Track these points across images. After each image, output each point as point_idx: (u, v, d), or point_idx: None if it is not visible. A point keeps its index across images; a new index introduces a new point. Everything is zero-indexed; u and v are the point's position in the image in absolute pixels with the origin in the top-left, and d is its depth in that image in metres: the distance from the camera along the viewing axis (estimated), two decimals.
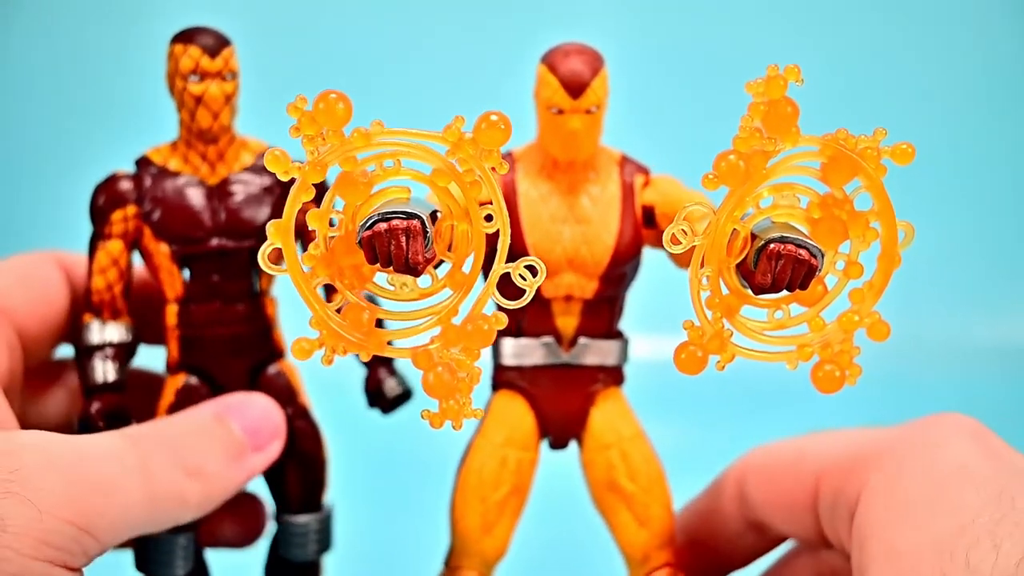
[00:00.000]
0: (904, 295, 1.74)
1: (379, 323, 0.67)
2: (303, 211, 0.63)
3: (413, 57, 1.83)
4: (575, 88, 0.76)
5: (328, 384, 0.89)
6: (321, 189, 0.65)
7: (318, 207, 0.63)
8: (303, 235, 0.78)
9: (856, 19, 1.87)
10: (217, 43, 0.80)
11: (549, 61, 0.77)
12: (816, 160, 0.66)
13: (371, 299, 0.68)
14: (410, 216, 0.61)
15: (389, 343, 0.66)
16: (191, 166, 0.82)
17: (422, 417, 0.65)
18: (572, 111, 0.76)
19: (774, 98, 0.62)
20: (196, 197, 0.81)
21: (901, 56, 1.87)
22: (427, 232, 0.62)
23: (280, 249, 0.63)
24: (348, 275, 0.65)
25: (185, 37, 0.80)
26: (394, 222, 0.61)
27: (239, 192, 0.83)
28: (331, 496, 0.92)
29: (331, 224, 0.64)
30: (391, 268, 0.62)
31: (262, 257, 0.63)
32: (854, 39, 1.87)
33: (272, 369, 0.86)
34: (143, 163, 0.83)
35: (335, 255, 0.65)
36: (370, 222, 0.62)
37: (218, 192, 0.81)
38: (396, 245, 0.61)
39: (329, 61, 1.77)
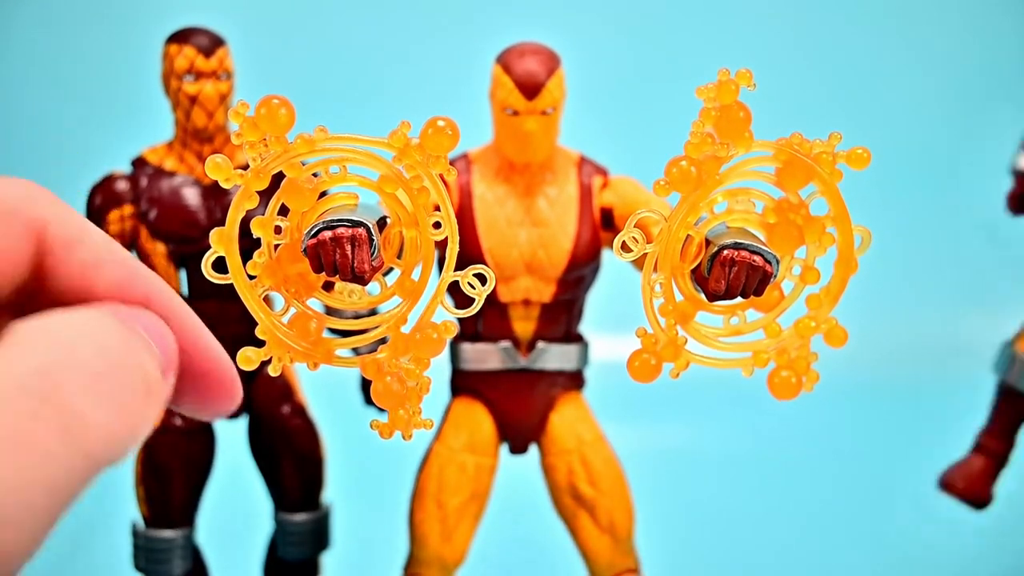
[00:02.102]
0: (903, 295, 1.76)
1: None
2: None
3: (394, 57, 1.83)
4: (530, 89, 0.74)
5: (325, 382, 0.89)
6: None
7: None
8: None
9: (832, 18, 1.87)
10: (212, 43, 0.80)
11: (504, 61, 0.76)
12: (771, 165, 0.65)
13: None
14: (356, 224, 0.60)
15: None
16: (187, 166, 0.82)
17: (371, 428, 0.64)
18: (527, 112, 0.75)
19: (725, 103, 0.61)
20: (192, 197, 0.82)
21: (899, 57, 1.87)
22: (374, 240, 0.60)
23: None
24: (294, 283, 0.64)
25: (180, 37, 0.80)
26: (339, 230, 0.60)
27: (235, 191, 0.82)
28: (329, 494, 0.92)
29: (278, 231, 0.63)
30: (337, 277, 0.61)
31: (205, 265, 0.62)
32: (837, 40, 1.86)
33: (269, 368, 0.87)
34: (139, 163, 0.83)
35: (280, 263, 0.63)
36: (315, 230, 0.60)
37: (214, 191, 0.82)
38: (341, 254, 0.60)
39: (323, 61, 1.78)
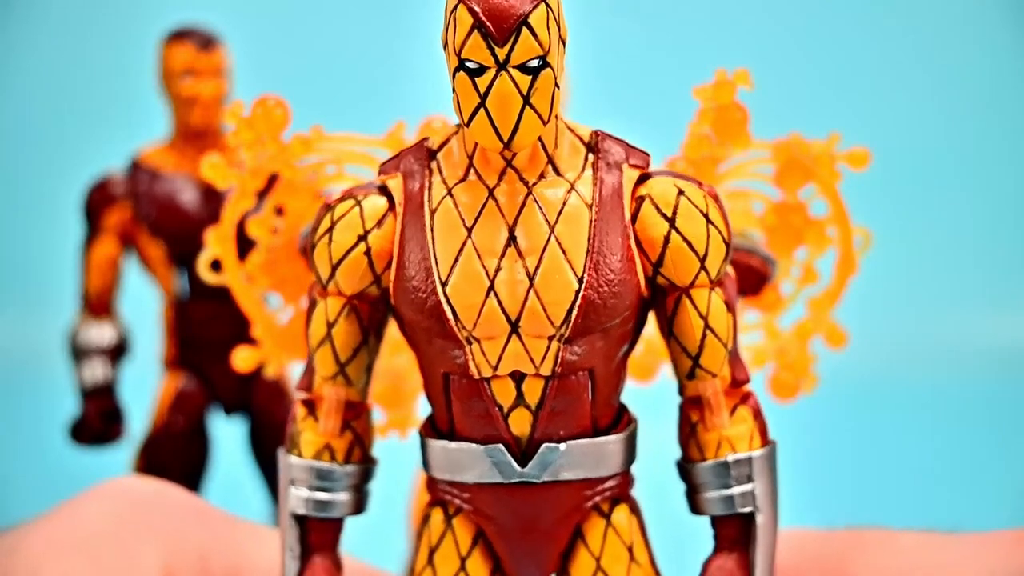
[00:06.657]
0: (904, 296, 1.75)
1: None
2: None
3: (392, 56, 1.83)
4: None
5: None
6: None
7: None
8: None
9: (832, 18, 1.87)
10: (209, 43, 0.80)
11: None
12: (770, 165, 0.65)
13: None
14: None
15: None
16: (185, 165, 0.82)
17: None
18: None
19: (723, 103, 0.60)
20: (190, 196, 0.82)
21: (906, 54, 1.87)
22: None
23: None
24: (291, 283, 0.64)
25: (177, 37, 0.81)
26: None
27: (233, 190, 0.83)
28: None
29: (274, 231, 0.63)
30: None
31: (203, 266, 0.62)
32: (836, 39, 1.86)
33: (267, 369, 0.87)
34: (136, 163, 0.84)
35: (277, 263, 0.63)
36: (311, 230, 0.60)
37: (212, 190, 0.81)
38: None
39: (324, 60, 1.78)
